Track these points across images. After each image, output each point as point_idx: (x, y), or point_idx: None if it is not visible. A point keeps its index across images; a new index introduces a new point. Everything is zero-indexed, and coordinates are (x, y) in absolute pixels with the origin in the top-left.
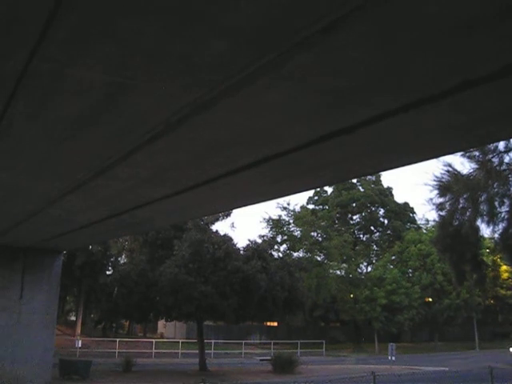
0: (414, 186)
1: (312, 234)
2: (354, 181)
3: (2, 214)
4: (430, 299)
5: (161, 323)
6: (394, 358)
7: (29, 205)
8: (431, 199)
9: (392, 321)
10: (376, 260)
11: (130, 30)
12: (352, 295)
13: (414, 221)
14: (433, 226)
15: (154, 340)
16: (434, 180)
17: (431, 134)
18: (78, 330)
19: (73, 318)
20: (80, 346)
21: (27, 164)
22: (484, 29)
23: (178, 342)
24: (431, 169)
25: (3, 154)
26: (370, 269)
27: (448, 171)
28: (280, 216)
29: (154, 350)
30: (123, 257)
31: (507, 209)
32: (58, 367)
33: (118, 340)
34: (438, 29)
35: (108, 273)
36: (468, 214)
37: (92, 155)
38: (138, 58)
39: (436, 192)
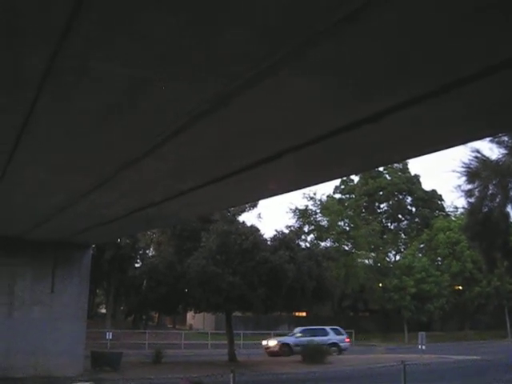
0: (442, 173)
1: (339, 223)
2: (381, 169)
3: (31, 210)
4: (460, 287)
5: (190, 315)
6: (424, 347)
7: (56, 200)
8: (459, 186)
9: (422, 309)
10: (404, 248)
11: (150, 22)
12: (381, 284)
13: (442, 208)
14: (462, 213)
15: (183, 331)
16: (462, 166)
17: (457, 119)
18: (109, 323)
19: (103, 311)
20: (110, 338)
21: (54, 159)
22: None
23: (207, 333)
24: (459, 155)
25: (30, 150)
26: (398, 257)
27: (476, 157)
28: (307, 206)
29: (183, 342)
30: (151, 249)
31: None
32: (90, 359)
33: (147, 332)
34: (460, 13)
35: (137, 266)
36: (497, 200)
37: (117, 149)
38: (159, 51)
39: (464, 178)
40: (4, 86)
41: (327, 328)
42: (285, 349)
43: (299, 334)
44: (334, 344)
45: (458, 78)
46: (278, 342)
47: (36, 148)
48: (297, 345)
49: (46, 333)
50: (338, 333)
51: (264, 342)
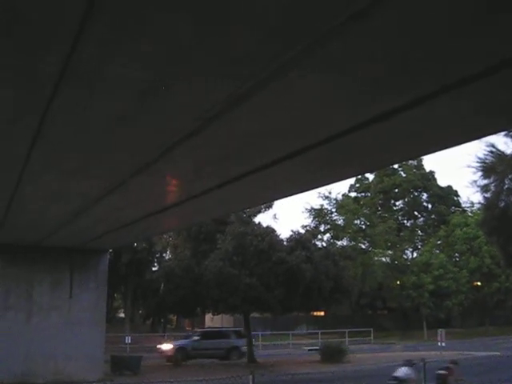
0: (457, 168)
1: (355, 221)
2: (396, 166)
3: (47, 217)
4: (479, 283)
5: (208, 317)
6: (443, 344)
7: (72, 206)
8: (475, 181)
9: (440, 306)
10: (421, 245)
11: (163, 25)
12: (398, 282)
13: (458, 204)
14: (478, 209)
15: None
16: (478, 161)
17: (472, 114)
18: (127, 327)
19: (121, 315)
20: (130, 341)
21: (68, 164)
22: None
23: None
24: (474, 150)
25: (45, 156)
26: (415, 255)
27: (491, 152)
28: (322, 205)
29: None
30: (168, 252)
31: None
32: (110, 363)
33: (166, 334)
34: (474, 6)
35: (154, 269)
36: None
37: (132, 152)
38: (173, 54)
39: (480, 174)
40: (20, 88)
41: (229, 330)
42: (180, 353)
43: (197, 338)
44: (235, 348)
45: (462, 76)
46: (174, 345)
47: (50, 153)
48: (194, 349)
49: (64, 338)
50: (239, 335)
51: (158, 346)
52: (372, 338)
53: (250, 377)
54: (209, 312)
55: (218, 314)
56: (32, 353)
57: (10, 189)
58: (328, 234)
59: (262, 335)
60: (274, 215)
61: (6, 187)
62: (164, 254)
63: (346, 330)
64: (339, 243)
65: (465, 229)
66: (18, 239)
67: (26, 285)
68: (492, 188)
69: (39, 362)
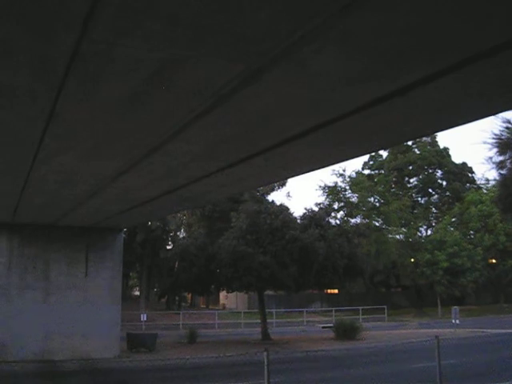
0: (472, 145)
1: (369, 199)
2: (410, 143)
3: (63, 197)
4: (494, 260)
5: (222, 294)
6: (457, 322)
7: (87, 185)
8: (490, 158)
9: (455, 284)
10: (436, 223)
11: (173, 3)
12: (413, 259)
13: (473, 181)
14: (493, 186)
15: (216, 311)
16: (493, 138)
17: (485, 90)
18: (143, 305)
19: (137, 293)
20: (145, 319)
21: (82, 145)
22: None
23: (240, 312)
24: (489, 126)
25: (59, 138)
26: (429, 232)
27: (507, 128)
28: (336, 183)
29: (216, 321)
30: (182, 231)
31: None
32: (126, 340)
33: (181, 312)
34: None
35: (168, 248)
36: None
37: (145, 132)
38: (183, 33)
39: (495, 150)
40: (32, 70)
41: None
42: None
43: None
44: None
45: (480, 50)
46: None
47: (65, 133)
48: None
49: (81, 316)
50: None
51: None
52: (386, 315)
53: (265, 354)
54: (223, 290)
55: (232, 292)
56: (50, 331)
57: (25, 170)
58: (342, 212)
59: (275, 313)
60: (288, 193)
61: (22, 168)
62: (178, 233)
63: (360, 308)
64: (353, 221)
65: (479, 206)
66: (34, 219)
67: (42, 264)
68: (507, 164)
69: (57, 341)
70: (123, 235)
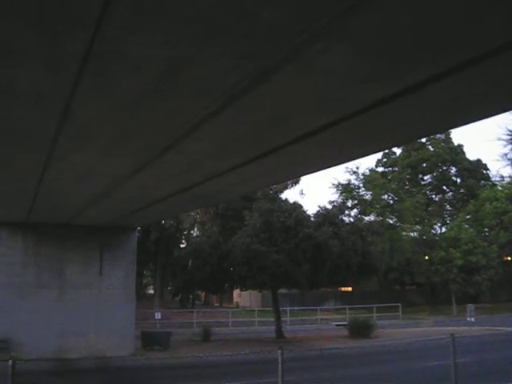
0: (487, 142)
1: (383, 196)
2: (423, 140)
3: (77, 195)
4: (509, 258)
5: (236, 293)
6: (473, 320)
7: (100, 184)
8: (505, 154)
9: (469, 281)
10: (450, 220)
11: (182, 2)
12: (427, 257)
13: (488, 178)
14: (508, 183)
15: (230, 309)
16: (508, 134)
17: (499, 86)
18: (157, 303)
19: (151, 292)
20: (159, 317)
21: (96, 145)
22: None
23: (254, 310)
24: (503, 122)
25: (73, 137)
26: (444, 229)
27: None
28: (349, 180)
29: (230, 319)
30: (195, 229)
31: None
32: (140, 339)
33: (195, 311)
34: None
35: (182, 246)
36: None
37: (158, 131)
38: (194, 30)
39: (510, 146)
40: (46, 69)
41: None
42: None
43: None
44: None
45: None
46: None
47: (79, 132)
48: None
49: (96, 314)
50: None
51: None
52: (400, 313)
53: (279, 352)
54: (237, 288)
55: (246, 290)
56: (65, 330)
57: (39, 169)
58: (355, 210)
59: (289, 311)
60: (301, 191)
61: (36, 168)
62: (192, 231)
63: (374, 306)
64: (367, 218)
65: (494, 203)
66: (48, 218)
67: (57, 263)
68: None
69: (72, 339)
70: (137, 234)
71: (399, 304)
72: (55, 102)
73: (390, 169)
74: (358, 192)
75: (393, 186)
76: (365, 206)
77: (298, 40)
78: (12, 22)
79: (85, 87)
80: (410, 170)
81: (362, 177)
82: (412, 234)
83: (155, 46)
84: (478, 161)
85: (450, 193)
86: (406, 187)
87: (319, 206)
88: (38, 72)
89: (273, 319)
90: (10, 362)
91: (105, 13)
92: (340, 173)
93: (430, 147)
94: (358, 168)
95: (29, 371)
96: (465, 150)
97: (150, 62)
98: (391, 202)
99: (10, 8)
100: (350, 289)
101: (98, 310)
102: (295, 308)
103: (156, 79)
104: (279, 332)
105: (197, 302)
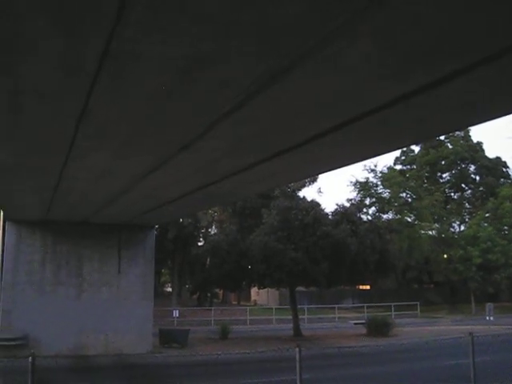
0: (506, 139)
1: (401, 194)
2: (442, 138)
3: (95, 194)
4: None
5: (253, 291)
6: (492, 318)
7: (117, 183)
8: None
9: (488, 280)
10: (469, 218)
11: (200, 0)
12: (445, 255)
13: (507, 176)
14: None
15: (247, 307)
16: None
17: None
18: (175, 301)
19: (169, 290)
20: (177, 315)
21: (113, 144)
22: None
23: (272, 308)
24: None
25: (91, 136)
26: (463, 228)
27: None
28: (367, 178)
29: (248, 317)
30: (213, 227)
31: None
32: (158, 336)
33: (213, 308)
34: None
35: (200, 244)
36: None
37: (175, 130)
38: (212, 29)
39: None
40: (64, 69)
41: None
42: None
43: None
44: None
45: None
46: None
47: (95, 132)
48: None
49: (114, 312)
50: None
51: None
52: (419, 311)
53: (297, 350)
54: (254, 286)
55: (263, 288)
56: (83, 327)
57: (58, 168)
58: (373, 208)
59: (307, 309)
60: (319, 189)
61: (55, 166)
62: (209, 230)
63: (392, 304)
64: (385, 216)
65: None
66: (66, 216)
67: (75, 261)
68: None
69: (90, 336)
70: (155, 232)
71: (417, 302)
72: (73, 102)
73: (409, 167)
74: (375, 190)
75: (411, 183)
76: (383, 204)
77: (319, 36)
78: (34, 19)
79: (102, 87)
80: (428, 168)
81: (379, 175)
82: (430, 233)
83: (172, 45)
84: (498, 158)
85: (469, 191)
86: (425, 185)
87: (337, 204)
88: (56, 72)
89: (290, 317)
90: (30, 359)
91: (122, 13)
92: (358, 171)
93: (448, 145)
94: (375, 166)
95: (47, 368)
96: (484, 147)
97: (167, 61)
98: (409, 200)
99: (33, 7)
100: (368, 287)
101: (116, 308)
102: (313, 306)
103: (173, 78)
104: (297, 330)
105: (214, 300)
